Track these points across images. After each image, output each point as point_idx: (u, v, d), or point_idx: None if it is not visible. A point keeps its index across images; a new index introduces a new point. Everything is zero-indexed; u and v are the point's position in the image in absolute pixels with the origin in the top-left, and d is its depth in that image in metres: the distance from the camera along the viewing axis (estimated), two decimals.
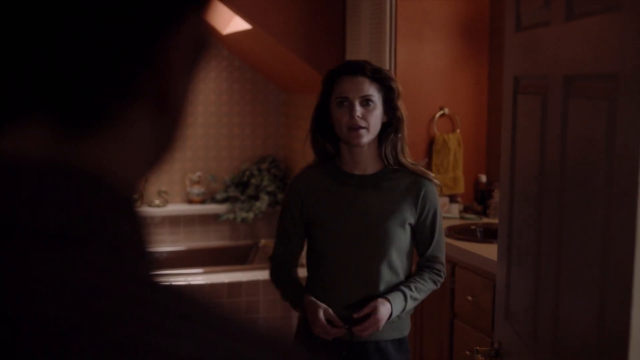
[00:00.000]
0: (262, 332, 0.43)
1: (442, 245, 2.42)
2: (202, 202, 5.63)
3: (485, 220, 3.94)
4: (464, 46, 4.15)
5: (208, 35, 0.48)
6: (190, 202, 5.62)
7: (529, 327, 1.78)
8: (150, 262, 0.45)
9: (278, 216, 2.47)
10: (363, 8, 4.29)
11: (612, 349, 1.34)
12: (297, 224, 2.39)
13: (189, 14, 0.45)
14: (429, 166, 4.15)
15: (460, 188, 4.12)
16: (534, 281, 1.74)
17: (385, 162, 2.34)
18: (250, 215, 5.47)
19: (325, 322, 2.22)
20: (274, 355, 0.42)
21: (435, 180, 2.39)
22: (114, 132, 0.44)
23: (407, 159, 2.35)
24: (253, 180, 5.56)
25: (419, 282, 2.33)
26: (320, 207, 2.35)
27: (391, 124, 2.33)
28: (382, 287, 2.29)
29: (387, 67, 4.01)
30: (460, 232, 3.64)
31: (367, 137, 2.27)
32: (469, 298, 3.25)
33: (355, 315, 2.22)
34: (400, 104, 2.34)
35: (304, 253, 2.49)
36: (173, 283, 0.43)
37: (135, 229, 0.44)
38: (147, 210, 5.39)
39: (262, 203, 5.47)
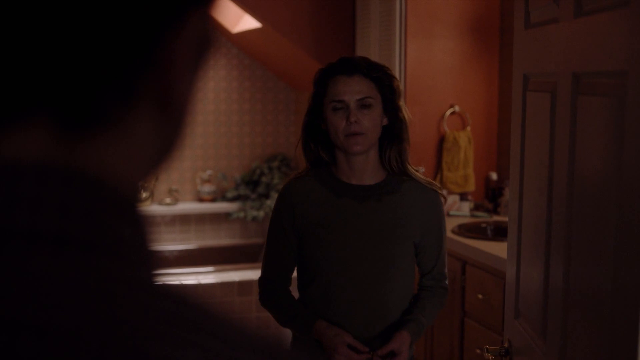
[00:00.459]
0: (265, 341, 0.43)
1: (446, 261, 2.22)
2: (213, 200, 5.64)
3: (495, 218, 3.93)
4: (475, 43, 4.14)
5: (212, 35, 0.47)
6: (201, 200, 5.63)
7: (538, 326, 1.78)
8: (152, 267, 0.44)
9: (267, 231, 2.19)
10: (373, 6, 4.28)
11: (622, 349, 1.33)
12: (289, 238, 2.11)
13: (192, 13, 0.44)
14: (438, 164, 4.14)
15: (471, 186, 4.11)
16: (544, 279, 1.73)
17: (389, 171, 2.10)
18: (261, 213, 5.48)
19: (349, 350, 1.98)
20: None
21: (442, 192, 2.19)
22: (115, 133, 0.43)
23: (410, 166, 2.13)
24: (263, 179, 5.57)
25: (432, 308, 2.13)
26: (313, 220, 2.07)
27: (393, 127, 2.08)
28: (383, 310, 2.06)
29: (397, 65, 4.00)
30: (470, 230, 3.63)
31: (366, 144, 2.02)
32: (480, 296, 3.24)
33: (379, 352, 1.99)
34: (402, 104, 2.11)
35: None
36: (175, 287, 0.42)
37: (138, 233, 0.44)
38: (157, 208, 5.40)
39: (273, 201, 5.47)
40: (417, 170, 2.14)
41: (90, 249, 0.40)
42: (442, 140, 4.13)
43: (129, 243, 0.42)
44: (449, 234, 3.44)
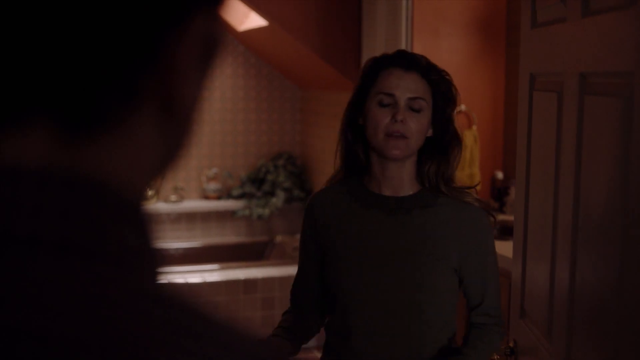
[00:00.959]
0: (268, 349, 0.42)
1: (499, 291, 1.87)
2: (218, 198, 5.64)
3: (501, 217, 3.92)
4: (481, 42, 4.13)
5: (219, 37, 0.46)
6: (207, 198, 5.64)
7: (543, 326, 1.77)
8: (155, 273, 0.43)
9: None
10: (379, 4, 4.28)
11: (627, 348, 1.33)
12: (312, 255, 1.90)
13: (197, 14, 0.43)
14: None
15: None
16: (549, 279, 1.73)
17: (427, 184, 1.82)
18: (267, 211, 5.48)
19: None
20: None
21: (490, 211, 1.86)
22: (118, 136, 0.42)
23: (450, 186, 1.83)
24: (269, 177, 5.57)
25: (481, 350, 1.81)
26: (334, 235, 1.84)
27: (441, 140, 1.81)
28: (412, 345, 1.76)
29: None
30: None
31: (407, 150, 1.76)
32: None
33: None
34: (455, 117, 1.84)
35: None
36: (178, 293, 0.42)
37: (141, 238, 0.43)
38: (163, 206, 5.41)
39: (278, 199, 5.47)
40: (467, 187, 1.88)
41: (93, 256, 0.39)
42: None
43: (132, 249, 0.42)
44: None
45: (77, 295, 0.37)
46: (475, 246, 1.80)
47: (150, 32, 0.41)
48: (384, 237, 1.78)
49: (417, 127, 1.75)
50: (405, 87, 1.76)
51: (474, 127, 4.13)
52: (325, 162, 5.04)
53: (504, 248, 3.14)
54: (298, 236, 2.27)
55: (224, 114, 5.71)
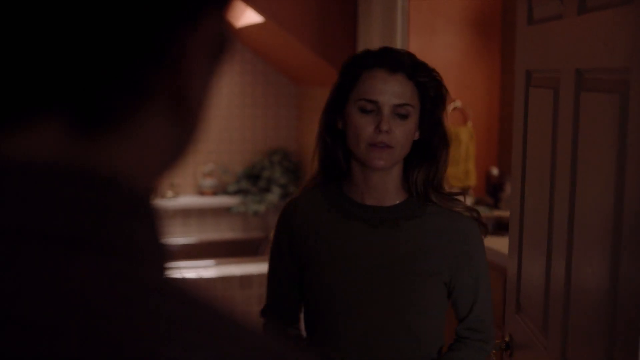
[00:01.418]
0: (277, 344, 0.43)
1: (489, 305, 1.74)
2: (214, 194, 5.65)
3: (496, 213, 3.94)
4: (477, 39, 4.14)
5: (229, 35, 0.46)
6: (202, 194, 5.64)
7: (539, 321, 1.79)
8: (165, 268, 0.44)
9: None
10: (375, 1, 4.28)
11: (622, 342, 1.34)
12: (288, 266, 1.73)
13: (208, 12, 0.44)
14: None
15: (472, 181, 4.12)
16: (545, 274, 1.74)
17: (414, 193, 1.69)
18: (262, 207, 5.49)
19: None
20: None
21: (481, 221, 1.73)
22: (128, 132, 0.42)
23: (439, 193, 1.69)
24: (265, 173, 5.57)
25: None
26: (314, 247, 1.68)
27: (429, 144, 1.67)
28: None
29: None
30: None
31: (392, 160, 1.62)
32: None
33: None
34: (445, 118, 1.71)
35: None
36: (188, 288, 0.42)
37: (151, 233, 0.43)
38: (158, 202, 5.40)
39: (274, 195, 5.48)
40: (457, 194, 1.75)
41: (103, 250, 0.40)
42: None
43: (142, 244, 0.42)
44: None
45: (89, 289, 0.38)
46: (466, 259, 1.68)
47: (161, 30, 0.41)
48: (370, 252, 1.64)
49: (403, 134, 1.60)
50: (390, 92, 1.60)
51: (469, 124, 4.14)
52: None
53: (500, 244, 3.16)
54: None
55: (220, 110, 5.71)
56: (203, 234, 5.58)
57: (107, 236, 0.40)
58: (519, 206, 1.98)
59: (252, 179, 5.65)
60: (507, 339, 2.02)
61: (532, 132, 1.89)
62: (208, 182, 5.63)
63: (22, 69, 0.39)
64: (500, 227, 3.60)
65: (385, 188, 1.67)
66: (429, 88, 1.65)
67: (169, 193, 5.50)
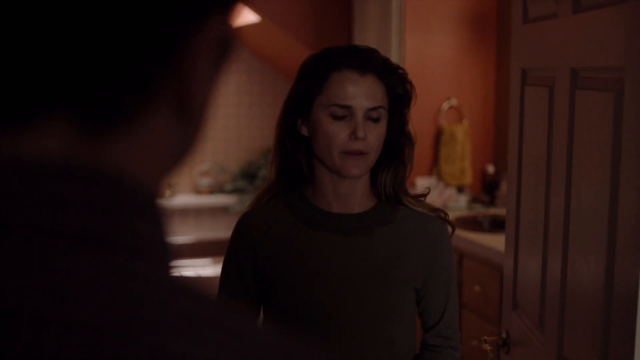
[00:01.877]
0: (282, 339, 0.43)
1: (456, 311, 1.66)
2: (211, 193, 5.65)
3: (492, 210, 3.95)
4: (472, 37, 4.15)
5: (233, 38, 0.47)
6: (199, 193, 5.65)
7: (535, 317, 1.80)
8: (171, 265, 0.44)
9: (220, 275, 1.65)
10: None
11: (618, 338, 1.35)
12: (246, 283, 1.59)
13: (212, 15, 0.44)
14: (435, 157, 4.16)
15: (468, 179, 4.13)
16: (541, 271, 1.75)
17: (383, 197, 1.60)
18: None
19: None
20: None
21: (448, 220, 1.66)
22: (132, 131, 0.43)
23: (408, 194, 1.62)
24: (261, 172, 5.58)
25: None
26: (280, 262, 1.56)
27: (396, 144, 1.58)
28: None
29: (395, 59, 4.00)
30: (467, 223, 3.66)
31: (366, 167, 1.53)
32: (477, 288, 3.26)
33: None
34: (409, 116, 1.61)
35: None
36: (194, 284, 0.43)
37: (157, 231, 0.44)
38: (163, 201, 5.40)
39: None
40: (421, 195, 1.66)
41: (111, 247, 0.40)
42: (439, 133, 4.14)
43: (149, 241, 0.43)
44: None
45: (97, 284, 0.39)
46: (438, 263, 1.60)
47: (166, 31, 0.42)
48: (344, 263, 1.53)
49: (376, 139, 1.51)
50: (363, 95, 1.49)
51: (465, 122, 4.15)
52: None
53: (496, 241, 3.17)
54: None
55: (216, 108, 5.71)
56: (200, 233, 5.58)
57: (115, 233, 0.41)
58: (515, 204, 1.99)
59: (249, 178, 5.66)
60: (504, 335, 2.03)
61: (527, 130, 1.90)
62: (205, 181, 5.64)
63: (27, 69, 0.40)
64: (496, 225, 3.61)
65: (355, 195, 1.58)
66: (398, 87, 1.55)
67: (166, 192, 5.51)
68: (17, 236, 0.39)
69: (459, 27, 4.13)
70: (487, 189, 4.17)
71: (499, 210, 3.84)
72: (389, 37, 4.07)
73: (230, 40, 0.47)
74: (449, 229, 1.66)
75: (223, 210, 5.64)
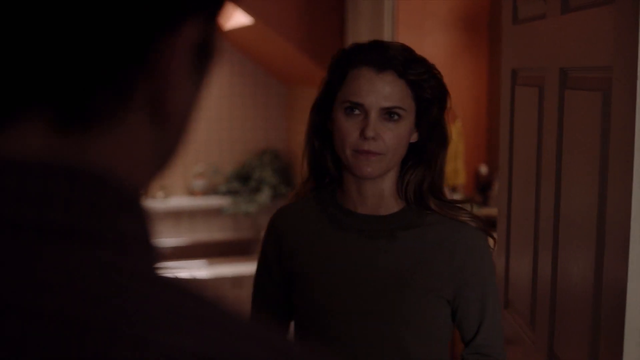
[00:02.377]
0: (265, 332, 0.44)
1: (499, 326, 1.52)
2: (205, 195, 5.65)
3: (485, 210, 3.96)
4: (464, 38, 4.17)
5: (214, 43, 0.47)
6: (193, 194, 5.65)
7: (527, 316, 1.81)
8: (156, 259, 0.45)
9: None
10: (363, 0, 4.30)
11: (607, 336, 1.36)
12: (275, 280, 1.58)
13: (190, 20, 0.44)
14: None
15: (461, 179, 4.14)
16: (532, 270, 1.76)
17: (406, 199, 1.52)
18: (253, 207, 5.50)
19: None
20: (277, 354, 0.42)
21: (488, 231, 1.55)
22: (112, 132, 0.43)
23: (440, 199, 1.52)
24: (255, 173, 5.58)
25: None
26: (304, 259, 1.53)
27: (425, 147, 1.50)
28: None
29: None
30: None
31: (382, 167, 1.45)
32: None
33: None
34: (445, 118, 1.54)
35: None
36: (177, 278, 0.44)
37: (141, 226, 0.45)
38: (149, 203, 5.40)
39: (265, 196, 5.49)
40: (457, 201, 1.56)
41: (95, 242, 0.41)
42: None
43: (132, 236, 0.43)
44: None
45: (81, 278, 0.39)
46: (471, 274, 1.47)
47: (140, 36, 0.42)
48: (365, 265, 1.48)
49: (394, 139, 1.43)
50: (378, 93, 1.42)
51: (458, 122, 4.16)
52: None
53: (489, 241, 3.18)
54: None
55: (209, 111, 5.71)
56: (194, 235, 5.58)
57: (97, 229, 0.41)
58: (506, 204, 2.00)
59: (243, 180, 5.66)
60: None
61: (518, 129, 1.91)
62: (198, 183, 5.64)
63: (6, 70, 0.41)
64: (489, 225, 3.62)
65: (380, 196, 1.50)
66: (425, 86, 1.46)
67: (160, 194, 5.51)
68: (2, 232, 0.40)
69: (452, 28, 4.14)
70: (480, 189, 4.18)
71: (492, 211, 3.85)
72: (381, 38, 4.08)
73: (211, 45, 0.47)
74: (491, 241, 1.54)
75: (217, 211, 5.64)
